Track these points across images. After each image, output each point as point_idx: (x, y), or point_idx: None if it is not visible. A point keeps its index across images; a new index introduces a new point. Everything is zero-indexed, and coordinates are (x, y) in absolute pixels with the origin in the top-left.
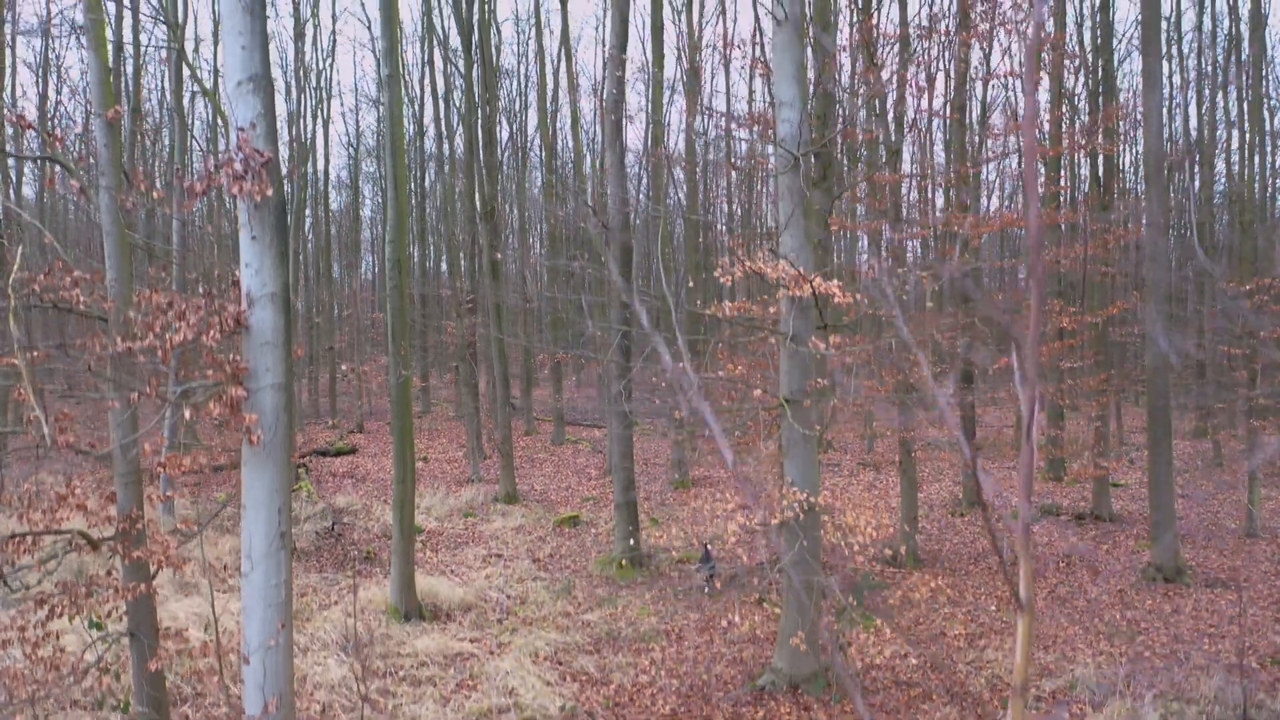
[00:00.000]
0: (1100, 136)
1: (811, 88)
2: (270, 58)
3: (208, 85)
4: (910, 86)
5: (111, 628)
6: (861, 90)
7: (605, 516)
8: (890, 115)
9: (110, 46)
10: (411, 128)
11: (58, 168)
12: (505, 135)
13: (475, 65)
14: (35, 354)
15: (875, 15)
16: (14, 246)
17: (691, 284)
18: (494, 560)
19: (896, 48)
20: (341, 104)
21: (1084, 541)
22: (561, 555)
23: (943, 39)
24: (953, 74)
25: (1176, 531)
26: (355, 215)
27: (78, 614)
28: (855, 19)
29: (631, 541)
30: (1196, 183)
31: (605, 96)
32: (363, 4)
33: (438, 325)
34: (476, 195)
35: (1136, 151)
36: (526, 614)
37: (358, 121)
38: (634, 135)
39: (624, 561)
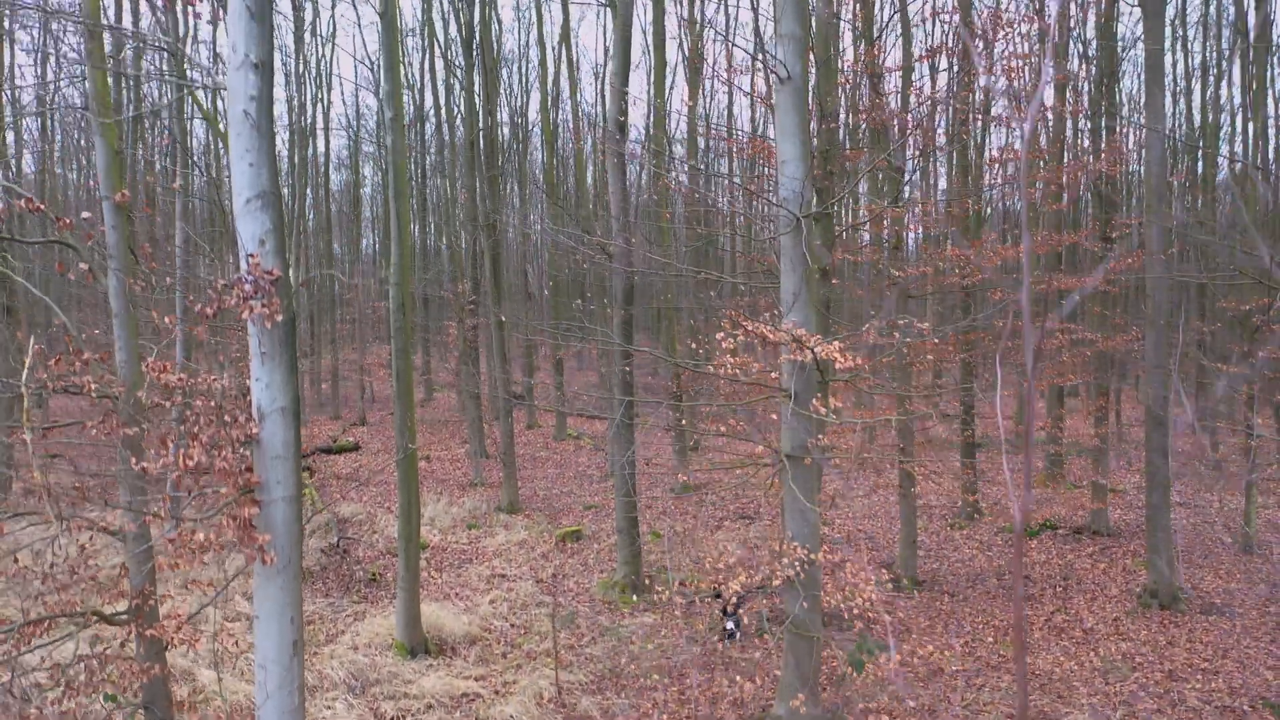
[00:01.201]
0: (1103, 163)
1: (815, 136)
2: (275, 103)
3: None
4: (910, 118)
5: (125, 700)
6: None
7: (607, 529)
8: (893, 141)
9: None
10: (411, 110)
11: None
12: (504, 114)
13: (478, 81)
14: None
15: (879, 49)
16: (28, 330)
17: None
18: (497, 581)
19: (899, 81)
20: (341, 85)
21: (1081, 559)
22: (564, 575)
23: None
24: (953, 110)
25: (1173, 558)
26: (355, 196)
27: (94, 692)
28: (859, 54)
29: (632, 568)
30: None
31: (605, 132)
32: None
33: (440, 307)
34: (478, 206)
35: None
36: (530, 646)
37: (358, 103)
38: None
39: (626, 587)
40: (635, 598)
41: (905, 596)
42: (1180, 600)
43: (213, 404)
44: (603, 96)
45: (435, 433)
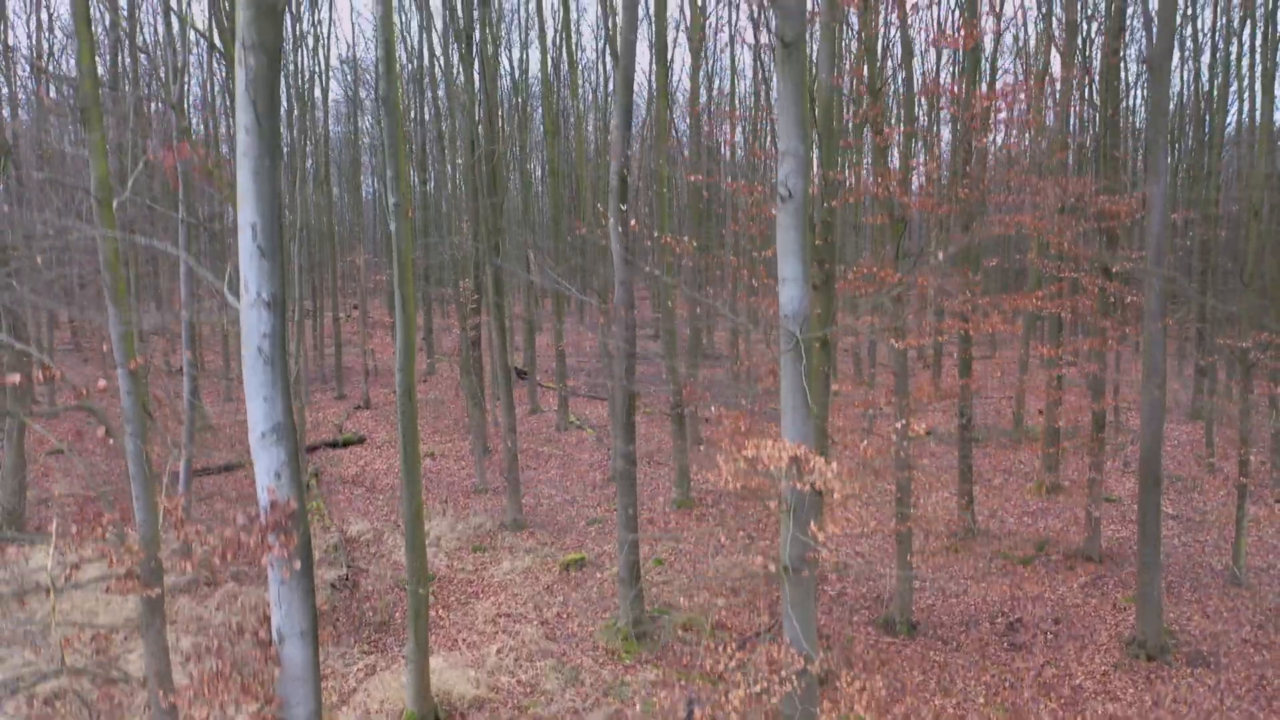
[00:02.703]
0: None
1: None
2: (290, 399)
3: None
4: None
5: None
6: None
7: (610, 552)
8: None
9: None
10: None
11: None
12: (506, 68)
13: (480, 106)
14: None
15: (880, 105)
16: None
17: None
18: (503, 623)
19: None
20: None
21: (1073, 593)
22: (569, 614)
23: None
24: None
25: (1160, 604)
26: (355, 142)
27: None
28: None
29: (635, 614)
30: None
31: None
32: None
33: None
34: (481, 225)
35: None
36: (536, 709)
37: (355, 75)
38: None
39: (628, 634)
40: (638, 644)
41: (901, 642)
42: (1168, 650)
43: (234, 623)
44: (602, 57)
45: (439, 416)
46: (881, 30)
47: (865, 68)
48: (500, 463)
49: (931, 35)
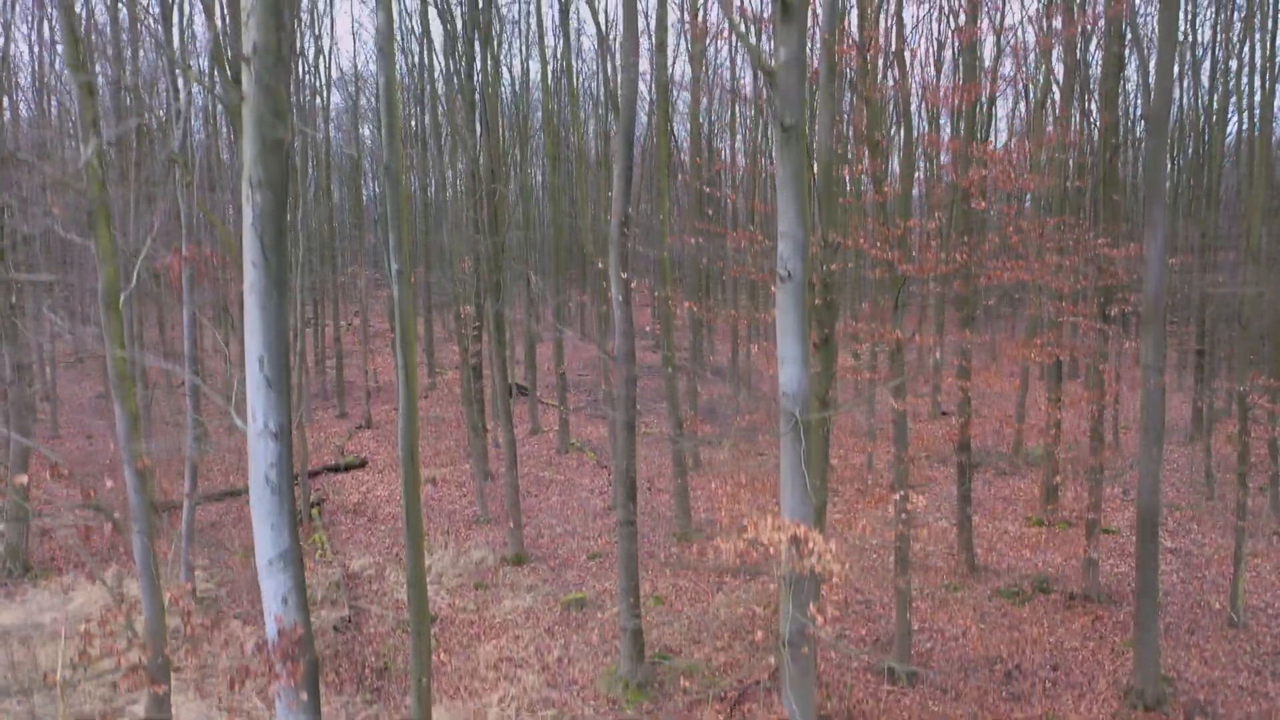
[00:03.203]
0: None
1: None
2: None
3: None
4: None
5: None
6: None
7: (610, 591)
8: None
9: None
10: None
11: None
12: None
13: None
14: None
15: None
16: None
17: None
18: (505, 668)
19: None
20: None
21: (1071, 636)
22: (570, 658)
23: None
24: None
25: (1157, 651)
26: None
27: None
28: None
29: (635, 662)
30: None
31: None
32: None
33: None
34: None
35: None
36: None
37: (357, 91)
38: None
39: (629, 683)
40: (639, 693)
41: (900, 690)
42: (1165, 700)
43: None
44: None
45: (440, 436)
46: (879, 90)
47: (864, 120)
48: (501, 489)
49: (929, 92)
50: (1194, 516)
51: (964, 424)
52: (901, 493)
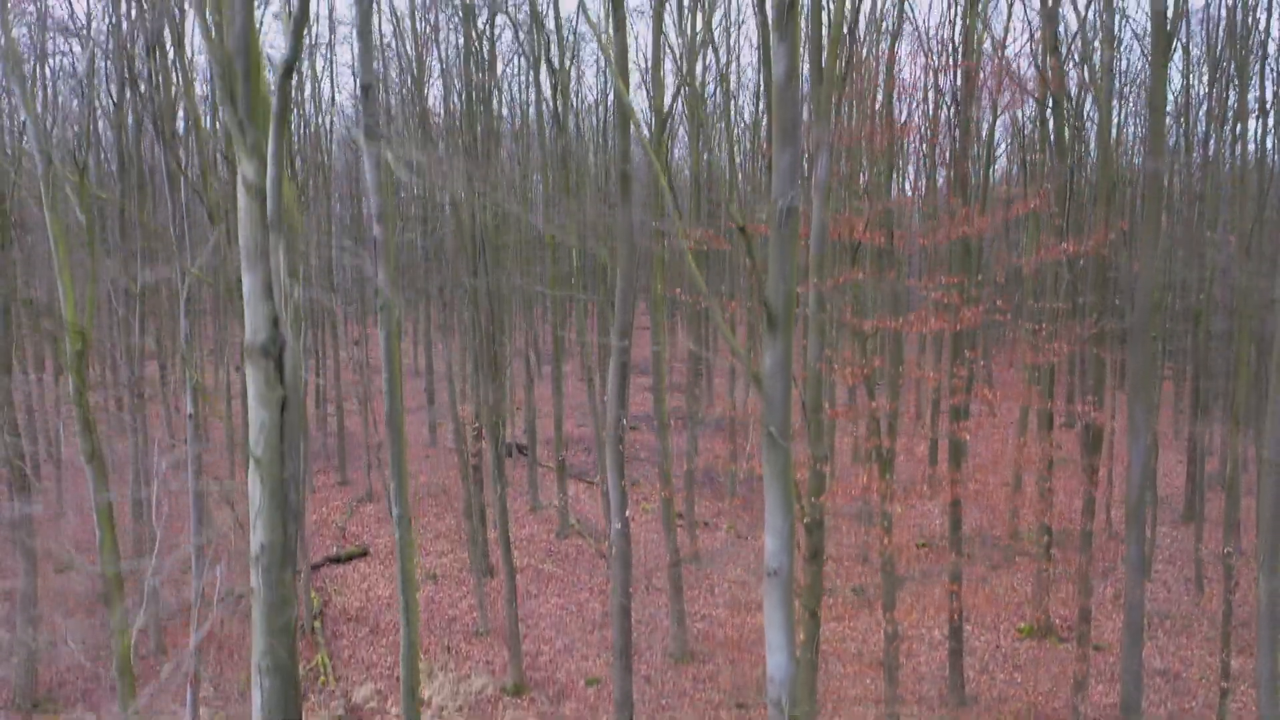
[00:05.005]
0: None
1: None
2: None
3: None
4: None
5: None
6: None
7: None
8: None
9: None
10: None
11: None
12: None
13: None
14: None
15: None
16: None
17: None
18: None
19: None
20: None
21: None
22: None
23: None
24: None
25: None
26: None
27: None
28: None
29: None
30: None
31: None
32: None
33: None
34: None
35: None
36: None
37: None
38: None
39: None
40: None
41: None
42: None
43: None
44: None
45: (440, 515)
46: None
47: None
48: (502, 587)
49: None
50: (1184, 629)
51: (955, 507)
52: (889, 627)
